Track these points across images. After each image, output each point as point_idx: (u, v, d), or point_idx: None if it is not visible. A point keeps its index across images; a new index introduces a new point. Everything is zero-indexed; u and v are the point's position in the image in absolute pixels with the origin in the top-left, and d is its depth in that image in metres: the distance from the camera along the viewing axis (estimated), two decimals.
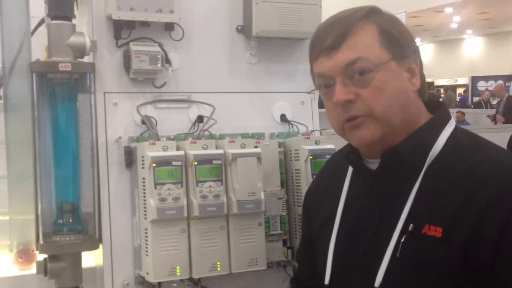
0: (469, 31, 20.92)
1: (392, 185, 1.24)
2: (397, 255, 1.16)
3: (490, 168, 1.15)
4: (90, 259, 1.85)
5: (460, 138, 1.23)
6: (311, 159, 1.72)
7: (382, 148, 1.23)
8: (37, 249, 1.67)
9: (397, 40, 1.21)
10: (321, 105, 1.52)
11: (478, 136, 1.26)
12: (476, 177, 1.14)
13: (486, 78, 15.79)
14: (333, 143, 1.74)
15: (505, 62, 18.20)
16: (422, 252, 1.14)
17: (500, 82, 14.33)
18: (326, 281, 1.30)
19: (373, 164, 1.28)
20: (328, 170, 1.50)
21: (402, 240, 1.16)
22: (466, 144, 1.22)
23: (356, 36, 1.19)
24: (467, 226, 1.11)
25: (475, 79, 19.07)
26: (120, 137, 1.72)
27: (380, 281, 1.17)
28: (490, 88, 15.53)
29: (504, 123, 9.98)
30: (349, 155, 1.33)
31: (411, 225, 1.16)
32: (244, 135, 1.78)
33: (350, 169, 1.36)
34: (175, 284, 1.65)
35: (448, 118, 1.27)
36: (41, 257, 1.69)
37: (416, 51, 1.26)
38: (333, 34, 1.20)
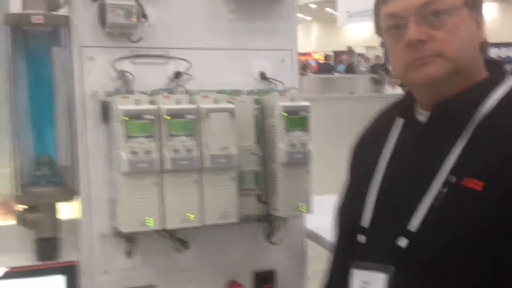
0: None
1: (440, 137, 1.27)
2: (435, 204, 1.22)
3: None
4: (72, 211, 1.89)
5: None
6: (285, 115, 1.72)
7: (438, 96, 1.26)
8: (15, 201, 1.71)
9: None
10: None
11: None
12: None
13: (499, 45, 15.55)
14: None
15: None
16: (460, 203, 1.19)
17: None
18: (365, 224, 1.35)
19: (424, 117, 1.32)
20: (376, 123, 1.54)
21: (443, 190, 1.21)
22: None
23: None
24: (507, 183, 1.14)
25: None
26: (96, 91, 1.72)
27: (416, 226, 1.23)
28: (503, 56, 15.32)
29: None
30: (402, 106, 1.39)
31: (453, 177, 1.21)
32: (221, 92, 1.78)
33: (399, 121, 1.39)
34: None
35: (504, 77, 1.29)
36: (20, 208, 1.73)
37: (481, 4, 1.29)
38: None
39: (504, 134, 1.19)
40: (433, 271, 1.21)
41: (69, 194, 1.69)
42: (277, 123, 1.74)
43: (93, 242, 1.73)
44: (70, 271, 1.70)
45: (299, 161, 1.75)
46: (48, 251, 1.70)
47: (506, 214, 1.14)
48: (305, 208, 1.78)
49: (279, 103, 1.74)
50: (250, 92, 1.87)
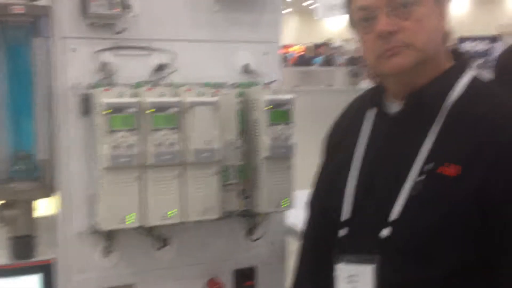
0: None
1: (413, 126, 1.31)
2: (414, 192, 1.25)
3: (507, 112, 1.24)
4: (49, 208, 1.85)
5: (478, 86, 1.32)
6: (268, 108, 1.71)
7: (408, 85, 1.31)
8: None
9: None
10: None
11: (495, 86, 1.40)
12: (494, 119, 1.22)
13: (471, 39, 15.73)
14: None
15: (491, 23, 18.11)
16: (438, 189, 1.23)
17: None
18: (344, 217, 1.36)
19: (396, 106, 1.36)
20: (349, 112, 1.56)
21: (420, 177, 1.24)
22: (484, 91, 1.32)
23: None
24: (483, 166, 1.19)
25: (460, 39, 19.02)
26: (77, 84, 1.69)
27: (396, 215, 1.26)
28: (475, 49, 15.47)
29: None
30: (374, 95, 1.42)
31: (428, 165, 1.25)
32: (205, 84, 1.76)
33: (372, 110, 1.42)
34: None
35: (468, 65, 1.36)
36: None
37: None
38: None
39: (475, 120, 1.24)
40: (416, 258, 1.24)
41: (47, 190, 1.65)
42: (261, 116, 1.73)
43: (70, 240, 1.69)
44: (46, 270, 1.65)
45: (283, 155, 1.74)
46: (23, 250, 1.66)
47: (484, 198, 1.18)
48: (287, 203, 1.77)
49: (263, 97, 1.72)
50: (233, 85, 1.85)
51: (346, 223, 1.37)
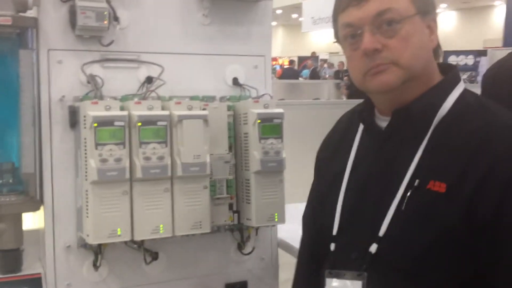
0: (443, 5, 20.97)
1: (401, 142, 1.30)
2: (402, 208, 1.23)
3: (497, 128, 1.21)
4: (34, 221, 1.82)
5: (468, 101, 1.29)
6: (259, 122, 1.69)
7: (395, 101, 1.29)
8: None
9: None
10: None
11: (486, 100, 1.34)
12: (482, 137, 1.19)
13: (457, 53, 15.93)
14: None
15: (477, 37, 18.33)
16: (426, 206, 1.20)
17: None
18: (334, 232, 1.36)
19: (384, 122, 1.34)
20: (339, 128, 1.55)
21: (408, 194, 1.23)
22: (473, 107, 1.28)
23: None
24: (471, 183, 1.16)
25: (446, 54, 19.22)
26: (63, 96, 1.66)
27: (384, 231, 1.24)
28: (461, 63, 15.66)
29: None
30: (362, 112, 1.40)
31: (416, 181, 1.22)
32: (194, 98, 1.74)
33: (361, 126, 1.41)
34: None
35: (458, 80, 1.33)
36: None
37: (434, 10, 1.31)
38: None
39: (462, 136, 1.22)
40: (405, 275, 1.22)
41: (35, 203, 1.62)
42: (251, 130, 1.71)
43: (58, 254, 1.66)
44: (33, 284, 1.62)
45: (273, 169, 1.72)
46: (11, 263, 1.63)
47: (472, 215, 1.15)
48: (278, 217, 1.75)
49: (253, 110, 1.70)
50: (222, 98, 1.84)
51: (335, 238, 1.36)
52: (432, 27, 1.30)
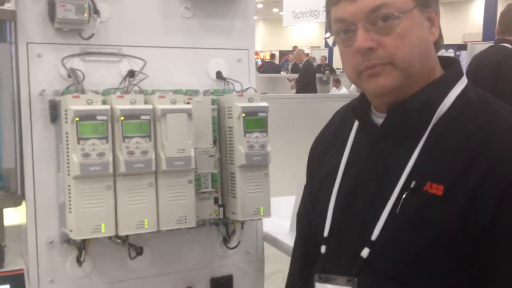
0: None
1: (397, 140, 1.22)
2: (396, 211, 1.16)
3: (497, 129, 1.13)
4: (15, 217, 1.79)
5: (470, 97, 1.21)
6: (243, 116, 1.68)
7: (393, 100, 1.21)
8: None
9: None
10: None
11: (489, 96, 1.23)
12: (482, 137, 1.12)
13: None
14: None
15: (457, 32, 18.48)
16: (422, 209, 1.14)
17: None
18: (325, 233, 1.30)
19: (379, 119, 1.26)
20: (333, 125, 1.48)
21: (403, 196, 1.16)
22: (475, 104, 1.20)
23: None
24: (469, 185, 1.09)
25: None
26: (43, 90, 1.63)
27: (376, 235, 1.18)
28: None
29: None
30: (356, 108, 1.32)
31: (413, 182, 1.15)
32: (177, 91, 1.72)
33: (356, 123, 1.33)
34: None
35: (460, 75, 1.24)
36: None
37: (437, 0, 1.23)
38: None
39: (461, 136, 1.15)
40: (396, 281, 1.16)
41: (16, 199, 1.59)
42: (235, 124, 1.70)
43: (40, 250, 1.64)
44: (16, 280, 1.60)
45: (258, 163, 1.71)
46: None
47: (469, 219, 1.09)
48: (263, 211, 1.74)
49: (238, 104, 1.69)
50: (206, 92, 1.82)
51: (326, 240, 1.31)
52: (433, 19, 1.22)
